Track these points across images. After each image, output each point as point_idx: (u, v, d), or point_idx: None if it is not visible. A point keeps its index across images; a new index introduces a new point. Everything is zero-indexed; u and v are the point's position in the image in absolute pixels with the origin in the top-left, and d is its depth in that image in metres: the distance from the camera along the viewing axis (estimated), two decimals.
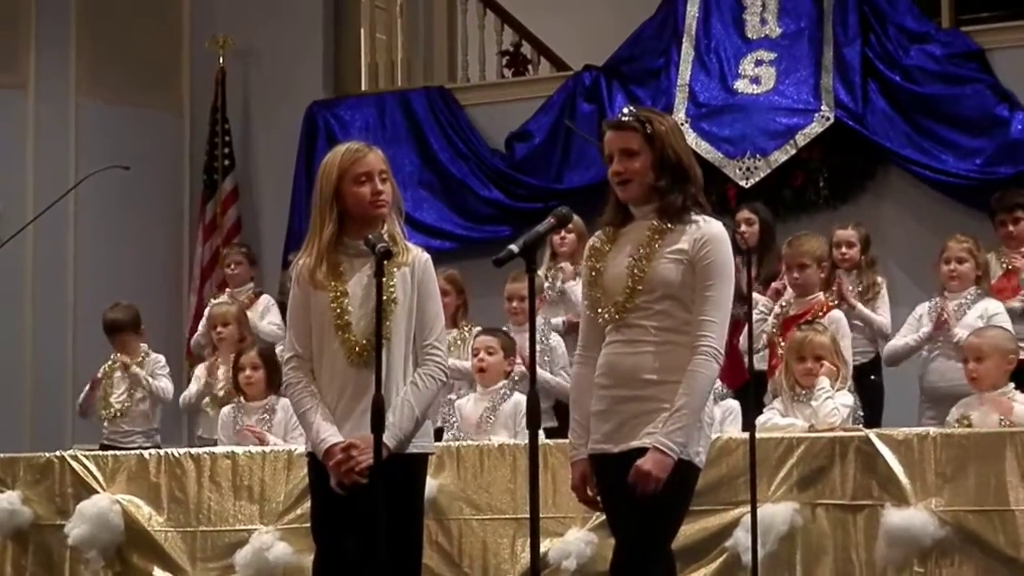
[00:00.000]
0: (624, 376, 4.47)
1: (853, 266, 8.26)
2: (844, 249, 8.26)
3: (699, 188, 4.56)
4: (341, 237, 4.89)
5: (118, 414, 8.72)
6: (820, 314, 7.61)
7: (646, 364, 4.44)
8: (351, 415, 4.78)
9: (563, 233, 8.35)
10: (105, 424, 8.83)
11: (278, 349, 8.68)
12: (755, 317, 7.36)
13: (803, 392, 6.67)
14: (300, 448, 6.91)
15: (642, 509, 4.36)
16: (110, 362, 8.86)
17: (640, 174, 4.51)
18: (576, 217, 8.29)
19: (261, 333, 9.06)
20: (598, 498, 4.60)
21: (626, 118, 4.55)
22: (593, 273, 4.60)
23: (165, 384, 8.75)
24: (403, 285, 4.84)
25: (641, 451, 4.39)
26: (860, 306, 8.04)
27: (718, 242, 4.48)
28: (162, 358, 8.92)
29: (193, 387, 8.74)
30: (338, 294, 4.84)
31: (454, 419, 7.47)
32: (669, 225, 4.50)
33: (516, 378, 7.48)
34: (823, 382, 6.63)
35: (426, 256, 4.95)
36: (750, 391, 6.39)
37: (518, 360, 7.53)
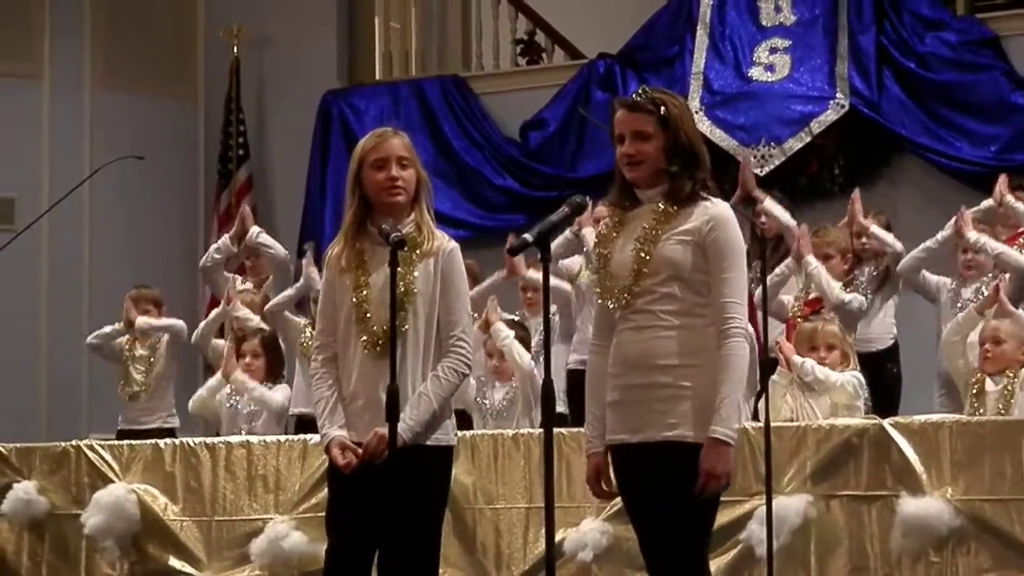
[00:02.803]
0: (635, 363, 4.40)
1: (875, 254, 8.24)
2: (865, 238, 8.23)
3: (707, 172, 4.49)
4: (365, 224, 4.86)
5: (141, 392, 8.74)
6: None
7: (656, 350, 4.37)
8: (369, 407, 4.75)
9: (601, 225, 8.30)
10: (124, 410, 8.84)
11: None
12: (771, 281, 7.58)
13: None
14: (315, 438, 6.92)
15: (673, 505, 4.30)
16: (127, 339, 8.90)
17: (652, 157, 4.44)
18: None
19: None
20: (613, 491, 4.56)
21: (640, 99, 4.49)
22: (601, 259, 4.55)
23: (175, 320, 8.82)
24: (425, 276, 4.79)
25: (664, 444, 4.33)
26: (875, 227, 8.05)
27: (726, 222, 4.41)
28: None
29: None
30: (359, 283, 4.81)
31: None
32: (675, 208, 4.44)
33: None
34: (808, 368, 6.71)
35: (452, 245, 4.87)
36: (766, 377, 6.37)
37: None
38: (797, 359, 6.81)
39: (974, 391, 6.77)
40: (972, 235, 7.68)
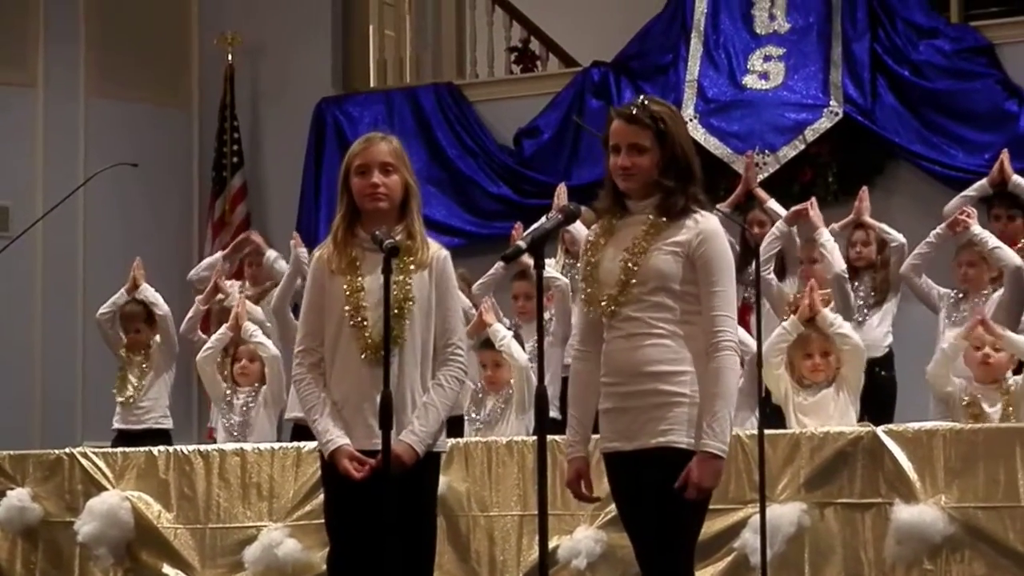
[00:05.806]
0: (627, 371, 4.42)
1: (868, 265, 8.24)
2: (860, 248, 8.22)
3: (700, 186, 4.53)
4: (355, 229, 4.85)
5: (132, 398, 8.73)
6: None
7: (648, 357, 4.39)
8: (367, 413, 4.73)
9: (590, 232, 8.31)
10: (119, 411, 8.82)
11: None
12: (769, 239, 7.98)
13: (810, 387, 6.71)
14: (308, 445, 6.91)
15: (666, 511, 4.32)
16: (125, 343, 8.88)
17: (646, 170, 4.47)
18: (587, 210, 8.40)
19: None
20: (594, 495, 4.57)
21: (638, 112, 4.50)
22: (588, 267, 4.56)
23: (166, 307, 8.80)
24: (420, 283, 4.78)
25: (657, 450, 4.35)
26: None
27: (716, 236, 4.45)
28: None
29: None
30: (354, 288, 4.79)
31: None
32: (665, 220, 4.46)
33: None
34: (829, 315, 6.80)
35: (445, 253, 4.88)
36: (759, 379, 6.36)
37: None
38: (827, 313, 6.85)
39: (975, 413, 6.73)
40: (977, 228, 7.68)
